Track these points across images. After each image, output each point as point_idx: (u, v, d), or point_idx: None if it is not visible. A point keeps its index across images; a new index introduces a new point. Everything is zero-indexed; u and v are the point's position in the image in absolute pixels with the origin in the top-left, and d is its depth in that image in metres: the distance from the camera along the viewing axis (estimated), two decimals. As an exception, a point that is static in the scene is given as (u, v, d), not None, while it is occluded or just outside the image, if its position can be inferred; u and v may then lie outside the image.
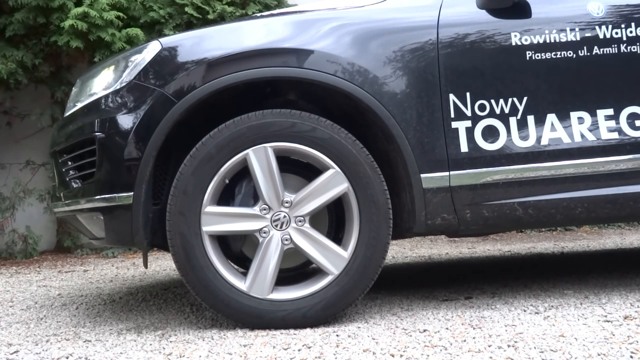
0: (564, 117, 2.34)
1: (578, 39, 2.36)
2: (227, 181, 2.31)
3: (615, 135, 2.35)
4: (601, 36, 2.37)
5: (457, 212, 2.32)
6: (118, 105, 2.30)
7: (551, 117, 2.34)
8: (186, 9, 4.97)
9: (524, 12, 2.39)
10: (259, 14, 2.83)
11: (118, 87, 2.32)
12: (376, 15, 2.38)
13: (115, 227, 2.30)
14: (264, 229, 2.24)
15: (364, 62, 2.29)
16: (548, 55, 2.34)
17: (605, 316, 2.20)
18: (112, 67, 2.42)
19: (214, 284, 2.22)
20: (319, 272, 2.29)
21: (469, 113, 2.31)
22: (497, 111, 2.32)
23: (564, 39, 2.35)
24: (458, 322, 2.22)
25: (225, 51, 2.29)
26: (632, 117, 2.36)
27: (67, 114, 2.55)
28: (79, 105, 2.48)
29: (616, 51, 2.37)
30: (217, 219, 2.23)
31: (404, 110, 2.29)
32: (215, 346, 2.05)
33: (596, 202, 2.37)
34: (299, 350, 1.95)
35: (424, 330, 2.11)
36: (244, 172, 2.30)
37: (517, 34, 2.35)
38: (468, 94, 2.32)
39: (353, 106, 2.34)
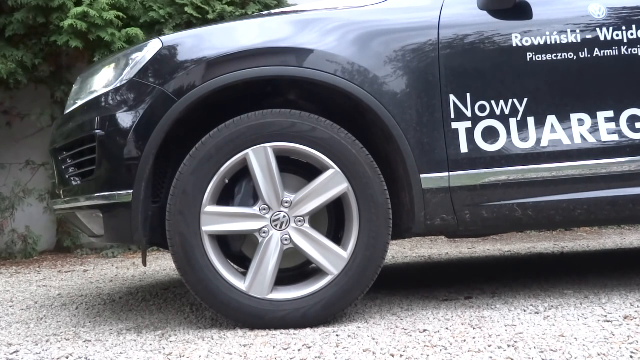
0: (564, 118, 2.34)
1: (579, 40, 2.36)
2: (226, 181, 2.31)
3: (615, 137, 2.35)
4: (602, 38, 2.37)
5: (457, 213, 2.32)
6: (118, 103, 2.30)
7: (551, 119, 2.34)
8: (186, 9, 4.97)
9: (525, 13, 2.39)
10: (260, 14, 2.83)
11: (118, 85, 2.32)
12: (377, 15, 2.38)
13: (115, 225, 2.30)
14: (264, 229, 2.24)
15: (364, 62, 2.29)
16: (549, 56, 2.34)
17: (605, 316, 2.20)
18: (113, 65, 2.42)
19: (214, 284, 2.22)
20: (318, 272, 2.29)
21: (469, 114, 2.32)
22: (498, 112, 2.32)
23: (564, 41, 2.35)
24: (458, 322, 2.22)
25: (225, 50, 2.29)
26: (632, 119, 2.36)
27: (68, 111, 2.56)
28: (79, 102, 2.48)
29: (617, 53, 2.37)
30: (217, 219, 2.23)
31: (404, 110, 2.29)
32: (215, 346, 2.05)
33: (596, 204, 2.37)
34: (299, 350, 1.95)
35: (424, 330, 2.11)
36: (243, 172, 2.30)
37: (518, 35, 2.35)
38: (468, 95, 2.32)
39: (353, 106, 2.34)
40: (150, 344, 2.13)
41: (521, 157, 2.31)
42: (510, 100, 2.33)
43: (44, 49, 4.97)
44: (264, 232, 2.24)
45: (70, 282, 3.85)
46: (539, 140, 2.33)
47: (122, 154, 2.24)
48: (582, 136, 2.34)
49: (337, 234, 2.53)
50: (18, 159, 5.45)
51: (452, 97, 2.31)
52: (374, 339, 2.04)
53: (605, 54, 2.36)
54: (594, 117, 2.35)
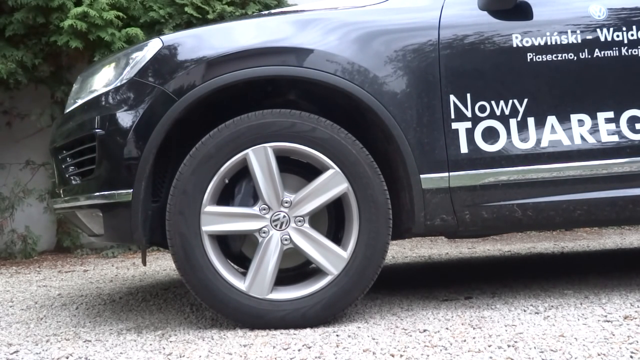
0: (564, 119, 2.34)
1: (579, 41, 2.36)
2: (226, 181, 2.31)
3: (615, 138, 2.35)
4: (602, 39, 2.37)
5: (456, 213, 2.32)
6: (118, 103, 2.30)
7: (551, 119, 2.34)
8: (186, 8, 4.97)
9: (525, 13, 2.39)
10: (260, 13, 2.83)
11: (118, 85, 2.33)
12: (377, 15, 2.38)
13: (114, 224, 2.30)
14: (264, 229, 2.24)
15: (365, 62, 2.29)
16: (549, 57, 2.34)
17: (605, 316, 2.20)
18: (113, 64, 2.42)
19: (214, 284, 2.22)
20: (318, 272, 2.29)
21: (469, 114, 2.32)
22: (498, 112, 2.32)
23: (565, 41, 2.35)
24: (458, 322, 2.22)
25: (225, 50, 2.29)
26: (632, 120, 2.36)
27: (68, 110, 2.56)
28: (80, 102, 2.48)
29: (617, 54, 2.37)
30: (217, 219, 2.23)
31: (404, 110, 2.29)
32: (215, 346, 2.05)
33: (596, 204, 2.37)
34: (299, 350, 1.95)
35: (424, 330, 2.11)
36: (243, 172, 2.30)
37: (518, 35, 2.35)
38: (468, 95, 2.32)
39: (353, 106, 2.34)
40: (150, 344, 2.13)
41: (521, 158, 2.31)
42: (511, 101, 2.33)
43: (44, 49, 4.96)
44: (264, 232, 2.24)
45: (70, 282, 3.85)
46: (539, 141, 2.33)
47: (122, 153, 2.24)
48: (582, 137, 2.34)
49: (337, 234, 2.53)
50: (18, 159, 5.45)
51: (452, 97, 2.31)
52: (374, 339, 2.04)
53: (606, 55, 2.36)
54: (594, 117, 2.35)
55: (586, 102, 2.36)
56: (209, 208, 2.22)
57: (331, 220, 2.54)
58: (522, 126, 2.33)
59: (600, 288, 2.70)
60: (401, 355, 1.85)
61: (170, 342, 2.14)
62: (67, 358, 2.00)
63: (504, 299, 2.57)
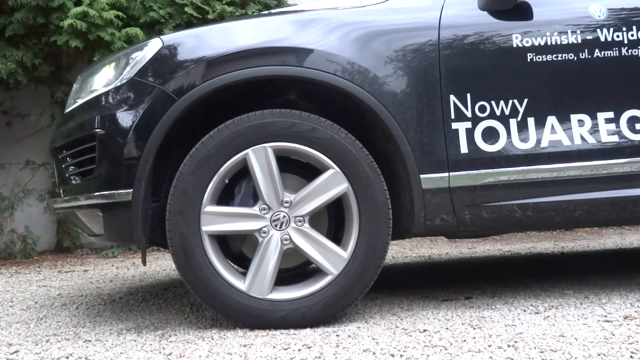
0: (564, 119, 2.34)
1: (579, 41, 2.36)
2: (226, 181, 2.31)
3: (615, 138, 2.35)
4: (602, 39, 2.37)
5: (456, 213, 2.32)
6: (118, 102, 2.30)
7: (551, 119, 2.34)
8: (186, 8, 4.97)
9: (525, 14, 2.39)
10: (260, 13, 2.83)
11: (118, 84, 2.33)
12: (377, 15, 2.38)
13: (114, 224, 2.30)
14: (264, 229, 2.24)
15: (365, 62, 2.29)
16: (549, 57, 2.34)
17: (605, 316, 2.20)
18: (113, 64, 2.42)
19: (214, 284, 2.22)
20: (318, 272, 2.29)
21: (469, 114, 2.32)
22: (498, 113, 2.32)
23: (565, 42, 2.35)
24: (458, 322, 2.22)
25: (225, 50, 2.29)
26: (632, 120, 2.36)
27: (68, 110, 2.56)
28: (80, 101, 2.48)
29: (617, 54, 2.37)
30: (217, 219, 2.23)
31: (404, 110, 2.29)
32: (215, 346, 2.05)
33: (596, 204, 2.37)
34: (299, 350, 1.95)
35: (424, 330, 2.11)
36: (243, 172, 2.30)
37: (518, 35, 2.35)
38: (468, 95, 2.32)
39: (353, 106, 2.34)
40: (150, 344, 2.13)
41: (521, 158, 2.31)
42: (511, 101, 2.33)
43: (44, 49, 4.96)
44: (264, 232, 2.24)
45: (70, 282, 3.85)
46: (539, 141, 2.33)
47: (122, 153, 2.24)
48: (582, 137, 2.34)
49: (337, 234, 2.52)
50: (18, 159, 5.45)
51: (452, 98, 2.31)
52: (374, 339, 2.04)
53: (606, 55, 2.36)
54: (594, 117, 2.35)
55: (586, 102, 2.36)
56: (209, 208, 2.22)
57: (331, 220, 2.54)
58: (522, 126, 2.33)
59: (600, 288, 2.70)
60: (401, 355, 1.85)
61: (170, 342, 2.14)
62: (67, 358, 2.00)
63: (504, 299, 2.57)
